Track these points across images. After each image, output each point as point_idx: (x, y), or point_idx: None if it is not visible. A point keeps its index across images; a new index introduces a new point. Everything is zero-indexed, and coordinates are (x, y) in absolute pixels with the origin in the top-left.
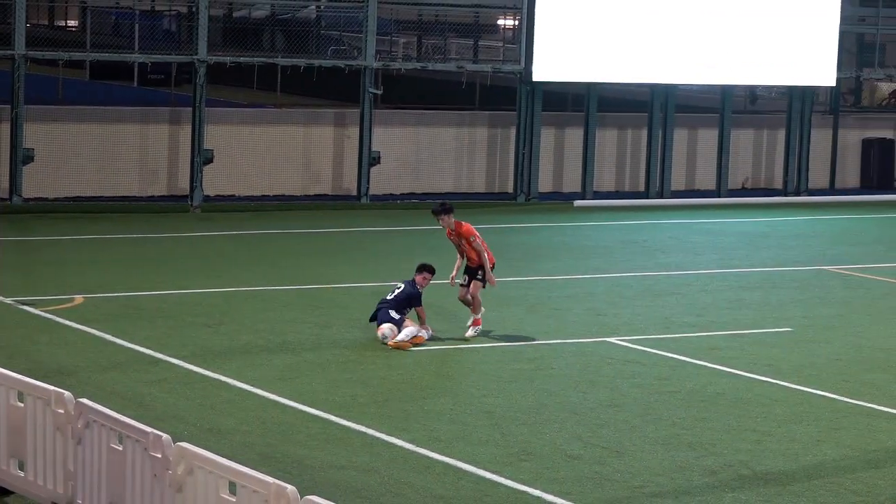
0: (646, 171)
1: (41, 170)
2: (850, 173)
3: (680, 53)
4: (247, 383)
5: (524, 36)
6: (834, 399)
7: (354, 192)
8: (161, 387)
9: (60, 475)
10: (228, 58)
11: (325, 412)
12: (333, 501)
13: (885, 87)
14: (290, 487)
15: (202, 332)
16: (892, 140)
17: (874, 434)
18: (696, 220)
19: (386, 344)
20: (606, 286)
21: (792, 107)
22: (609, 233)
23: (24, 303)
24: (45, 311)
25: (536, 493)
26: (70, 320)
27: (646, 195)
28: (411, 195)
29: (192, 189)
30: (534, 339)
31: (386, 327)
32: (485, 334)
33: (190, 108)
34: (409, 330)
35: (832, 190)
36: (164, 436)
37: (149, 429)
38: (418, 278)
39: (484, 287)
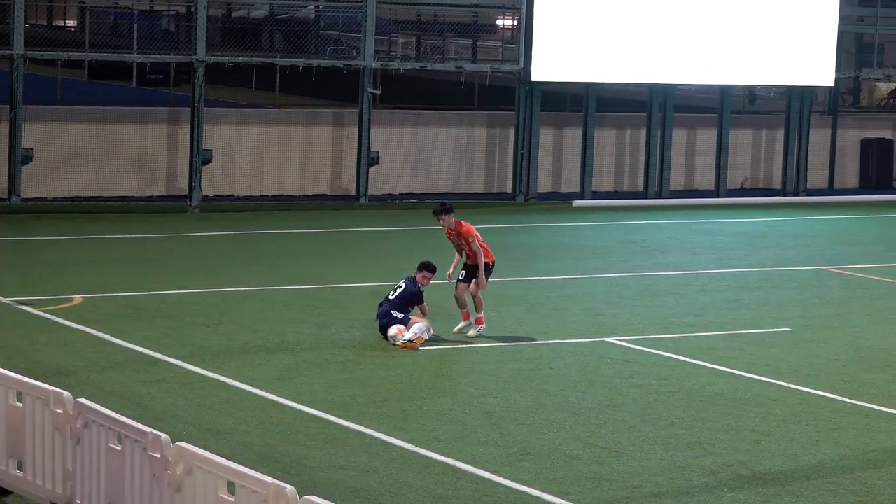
0: (644, 171)
1: (40, 170)
2: (849, 173)
3: (679, 53)
4: (245, 383)
5: (523, 36)
6: (833, 399)
7: (353, 192)
8: (160, 387)
9: (59, 475)
10: (227, 58)
11: (323, 412)
12: (332, 501)
13: (884, 87)
14: (288, 487)
15: (201, 332)
16: (890, 140)
17: (873, 434)
18: (694, 220)
19: (395, 344)
20: (605, 286)
21: (791, 107)
22: (608, 233)
23: (22, 303)
24: (44, 311)
25: (535, 493)
26: (69, 320)
27: (644, 195)
28: (410, 195)
29: (190, 189)
30: (533, 339)
31: (394, 329)
32: (484, 334)
33: (189, 108)
34: (418, 326)
35: (831, 190)
36: (163, 436)
37: (148, 429)
38: (419, 277)
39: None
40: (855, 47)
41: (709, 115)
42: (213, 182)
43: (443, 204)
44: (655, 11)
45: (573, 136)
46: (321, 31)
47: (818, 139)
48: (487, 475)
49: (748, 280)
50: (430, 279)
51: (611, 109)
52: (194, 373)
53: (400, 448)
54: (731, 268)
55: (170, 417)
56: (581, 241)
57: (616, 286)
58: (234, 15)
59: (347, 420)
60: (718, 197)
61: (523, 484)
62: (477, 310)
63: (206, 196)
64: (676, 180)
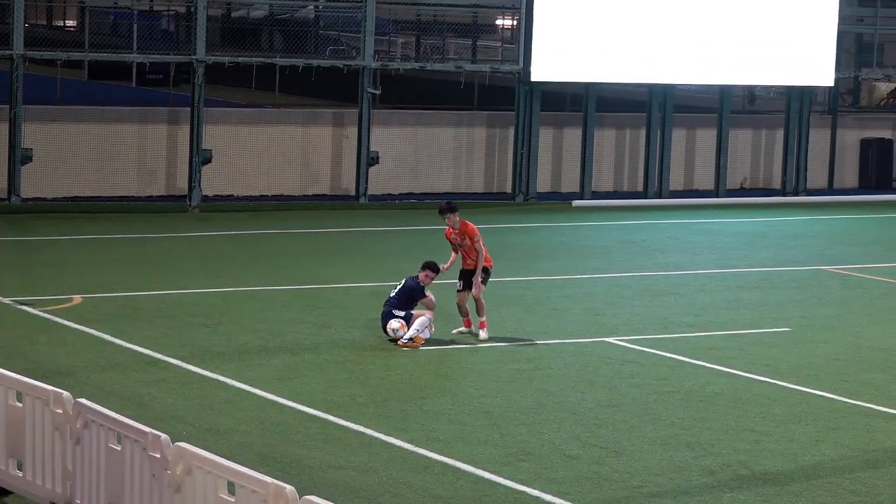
0: (644, 171)
1: (40, 170)
2: (849, 173)
3: (678, 53)
4: (245, 383)
5: (522, 36)
6: (832, 399)
7: (353, 192)
8: (159, 387)
9: (59, 475)
10: (227, 58)
11: (323, 412)
12: (332, 501)
13: (884, 87)
14: (288, 487)
15: (201, 332)
16: (890, 140)
17: (872, 434)
18: (694, 220)
19: (396, 341)
20: (605, 286)
21: (790, 107)
22: (607, 233)
23: (22, 303)
24: (44, 311)
25: (535, 493)
26: (68, 320)
27: (644, 195)
28: (410, 195)
29: (190, 189)
30: (532, 340)
31: (395, 322)
32: None
33: (188, 108)
34: (420, 321)
35: (830, 190)
36: (163, 436)
37: (147, 429)
38: (421, 276)
39: (485, 286)
40: (855, 47)
41: (708, 115)
42: (213, 182)
43: (449, 203)
44: (655, 11)
45: (573, 136)
46: (321, 31)
47: (818, 139)
48: (487, 475)
49: (748, 280)
50: (432, 279)
51: (610, 109)
52: (194, 373)
53: (400, 448)
54: (730, 268)
55: (170, 417)
56: (581, 241)
57: (616, 286)
58: (233, 15)
59: (347, 420)
60: (718, 197)
61: (523, 484)
62: (479, 314)
63: (206, 196)
64: (676, 180)
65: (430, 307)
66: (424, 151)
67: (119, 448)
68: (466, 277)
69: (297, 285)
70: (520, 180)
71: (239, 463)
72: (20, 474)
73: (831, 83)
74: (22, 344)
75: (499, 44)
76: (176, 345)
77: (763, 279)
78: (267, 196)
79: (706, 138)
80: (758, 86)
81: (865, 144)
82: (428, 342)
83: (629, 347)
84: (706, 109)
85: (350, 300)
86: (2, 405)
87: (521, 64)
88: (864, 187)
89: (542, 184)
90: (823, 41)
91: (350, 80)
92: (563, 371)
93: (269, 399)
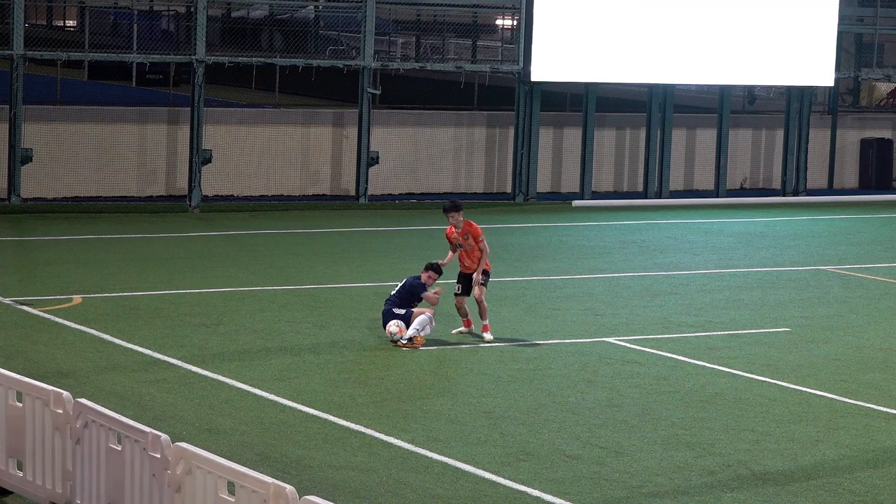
0: (644, 171)
1: (39, 170)
2: (849, 173)
3: (678, 53)
4: (245, 383)
5: (522, 36)
6: (832, 399)
7: (353, 193)
8: (159, 387)
9: (59, 475)
10: (227, 58)
11: (323, 412)
12: (332, 501)
13: (884, 87)
14: (288, 487)
15: (200, 332)
16: (890, 140)
17: (872, 434)
18: (694, 221)
19: (395, 343)
20: (605, 286)
21: (790, 107)
22: (607, 233)
23: (22, 303)
24: (44, 312)
25: (535, 493)
26: (68, 320)
27: (644, 195)
28: (409, 195)
29: (190, 189)
30: (532, 340)
31: (392, 324)
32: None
33: (188, 108)
34: (420, 320)
35: (830, 190)
36: (163, 436)
37: (147, 429)
38: (424, 276)
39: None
40: (854, 47)
41: (708, 116)
42: (213, 182)
43: (454, 202)
44: (655, 11)
45: (573, 136)
46: (321, 31)
47: (818, 139)
48: (487, 475)
49: (748, 280)
50: (434, 280)
51: (610, 109)
52: (194, 373)
53: (400, 448)
54: (730, 268)
55: (169, 417)
56: (580, 241)
57: (615, 286)
58: (233, 15)
59: (347, 420)
60: (718, 197)
61: (523, 484)
62: (482, 316)
63: (206, 196)
64: (676, 180)
65: (432, 303)
66: (424, 151)
67: (119, 448)
68: (465, 281)
69: (297, 285)
70: (520, 180)
71: (239, 463)
72: (20, 474)
73: (831, 83)
74: (22, 344)
75: (499, 44)
76: (176, 345)
77: (763, 279)
78: (267, 196)
79: (706, 138)
80: (758, 86)
81: (865, 144)
82: (428, 342)
83: (629, 347)
84: (706, 109)
85: (350, 300)
86: (2, 405)
87: (521, 64)
88: (863, 187)
89: (542, 184)
90: (823, 41)
91: (350, 80)
92: (563, 371)
93: (268, 399)
